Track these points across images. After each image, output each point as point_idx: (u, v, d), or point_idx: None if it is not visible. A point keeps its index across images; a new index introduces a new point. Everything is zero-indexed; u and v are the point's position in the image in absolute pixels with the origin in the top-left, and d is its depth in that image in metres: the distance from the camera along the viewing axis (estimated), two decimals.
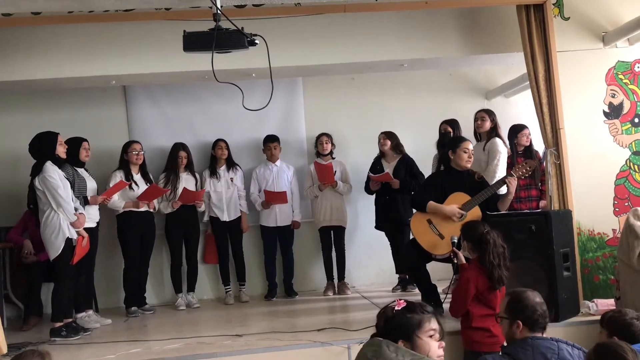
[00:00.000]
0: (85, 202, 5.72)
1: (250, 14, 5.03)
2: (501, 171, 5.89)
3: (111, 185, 6.22)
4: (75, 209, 5.37)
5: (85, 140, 5.96)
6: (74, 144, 5.83)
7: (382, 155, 6.77)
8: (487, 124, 6.17)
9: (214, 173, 6.85)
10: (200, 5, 4.87)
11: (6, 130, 6.90)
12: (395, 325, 2.38)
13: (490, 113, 6.23)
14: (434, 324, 2.39)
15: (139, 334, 5.38)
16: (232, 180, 6.86)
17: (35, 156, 5.38)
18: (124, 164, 6.45)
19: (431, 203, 5.23)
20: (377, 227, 6.81)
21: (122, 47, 5.60)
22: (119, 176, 6.35)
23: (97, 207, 5.96)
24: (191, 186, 6.69)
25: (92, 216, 5.84)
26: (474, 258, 4.35)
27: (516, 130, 6.30)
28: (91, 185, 5.95)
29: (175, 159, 6.68)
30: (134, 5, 4.94)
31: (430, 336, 2.38)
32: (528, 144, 6.24)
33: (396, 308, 2.41)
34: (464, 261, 4.46)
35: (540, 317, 3.10)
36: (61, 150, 5.43)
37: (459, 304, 4.28)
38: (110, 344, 4.98)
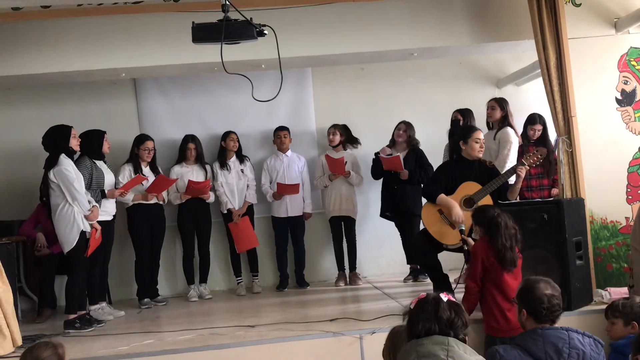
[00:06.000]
0: (102, 195, 5.74)
1: (259, 4, 5.02)
2: (511, 161, 5.86)
3: (120, 178, 6.23)
4: (89, 202, 5.39)
5: (105, 132, 5.98)
6: (98, 136, 5.85)
7: (392, 144, 6.73)
8: (498, 113, 6.12)
9: (224, 165, 6.85)
10: None
11: (17, 124, 6.92)
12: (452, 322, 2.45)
13: (500, 102, 6.18)
14: None
15: (152, 326, 5.41)
16: (242, 172, 6.87)
17: (48, 149, 5.40)
18: (134, 158, 6.46)
19: (441, 196, 5.21)
20: (382, 215, 6.79)
21: (132, 39, 5.60)
22: (127, 169, 6.35)
23: (113, 200, 5.97)
24: (200, 178, 6.68)
25: (108, 209, 5.86)
26: (484, 237, 4.35)
27: (528, 121, 6.23)
28: (109, 178, 5.94)
29: (185, 151, 6.69)
30: None
31: None
32: (535, 138, 6.17)
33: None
34: None
35: (545, 310, 3.06)
36: (74, 143, 5.45)
37: (470, 274, 4.36)
38: (123, 336, 5.00)
